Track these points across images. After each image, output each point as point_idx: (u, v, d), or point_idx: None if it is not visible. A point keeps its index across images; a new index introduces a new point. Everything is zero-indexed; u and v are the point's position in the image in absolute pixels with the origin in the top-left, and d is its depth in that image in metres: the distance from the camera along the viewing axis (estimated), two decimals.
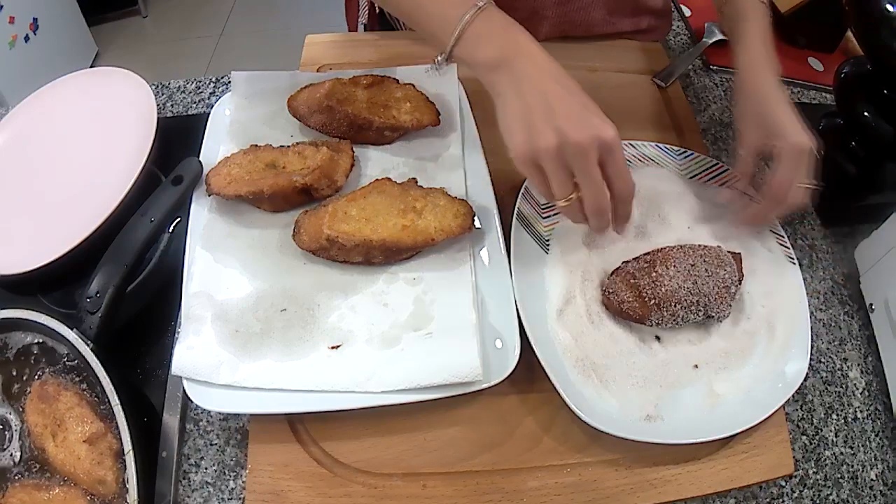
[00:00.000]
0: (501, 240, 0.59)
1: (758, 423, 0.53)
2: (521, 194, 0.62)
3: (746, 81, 0.60)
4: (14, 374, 0.53)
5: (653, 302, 0.55)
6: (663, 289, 0.54)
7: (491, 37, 0.52)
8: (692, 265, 0.56)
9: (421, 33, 0.58)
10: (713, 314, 0.56)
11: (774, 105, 0.57)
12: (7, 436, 0.51)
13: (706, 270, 0.55)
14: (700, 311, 0.55)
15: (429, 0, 0.55)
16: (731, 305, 0.57)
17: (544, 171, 0.50)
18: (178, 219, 0.62)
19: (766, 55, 0.60)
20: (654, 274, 0.55)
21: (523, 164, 0.50)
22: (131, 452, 0.48)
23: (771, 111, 0.57)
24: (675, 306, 0.54)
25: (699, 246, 0.58)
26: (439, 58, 0.55)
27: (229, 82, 0.75)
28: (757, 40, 0.61)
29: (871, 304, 0.63)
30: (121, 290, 0.55)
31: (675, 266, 0.55)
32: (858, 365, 0.62)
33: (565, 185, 0.50)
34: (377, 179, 0.61)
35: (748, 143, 0.59)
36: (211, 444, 0.55)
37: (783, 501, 0.55)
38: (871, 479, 0.56)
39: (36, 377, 0.53)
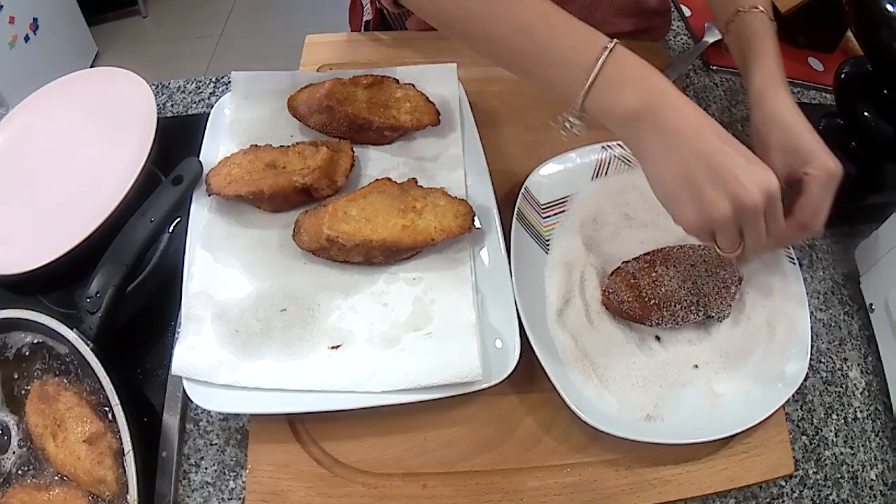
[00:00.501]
0: (501, 240, 0.59)
1: (758, 423, 0.53)
2: (521, 194, 0.62)
3: (766, 105, 0.56)
4: (14, 374, 0.53)
5: (653, 302, 0.55)
6: (663, 289, 0.54)
7: (626, 84, 0.47)
8: (692, 265, 0.55)
9: (538, 84, 0.52)
10: (713, 314, 0.56)
11: (800, 132, 0.53)
12: (6, 437, 0.51)
13: (706, 270, 0.55)
14: (700, 311, 0.55)
15: (549, 44, 0.49)
16: (731, 305, 0.57)
17: (715, 231, 0.48)
18: (178, 219, 0.62)
19: (781, 75, 0.57)
20: (654, 274, 0.55)
21: (696, 233, 0.48)
22: (131, 452, 0.48)
23: (797, 138, 0.53)
24: (675, 306, 0.54)
25: (699, 246, 0.58)
26: (570, 119, 0.50)
27: (229, 82, 0.75)
28: (772, 60, 0.57)
29: (871, 304, 0.63)
30: (121, 290, 0.55)
31: (675, 266, 0.55)
32: (858, 365, 0.62)
33: (736, 242, 0.48)
34: (377, 179, 0.61)
35: (778, 174, 0.55)
36: (211, 444, 0.55)
37: (783, 501, 0.55)
38: (871, 479, 0.56)
39: (36, 377, 0.53)
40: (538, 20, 0.49)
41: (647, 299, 0.55)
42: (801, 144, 0.53)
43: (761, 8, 0.60)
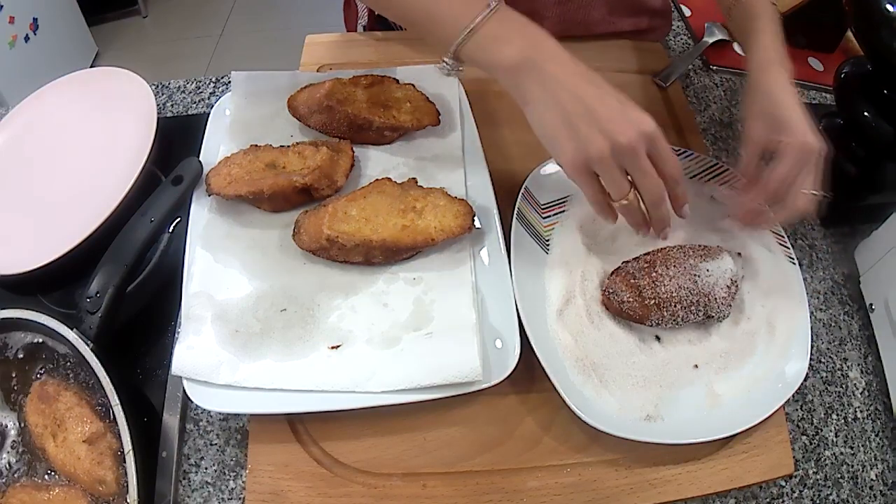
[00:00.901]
0: (501, 240, 0.59)
1: (758, 423, 0.53)
2: (521, 194, 0.62)
3: (758, 79, 0.57)
4: (14, 374, 0.53)
5: (653, 302, 0.55)
6: (663, 289, 0.54)
7: (508, 37, 0.51)
8: (692, 265, 0.55)
9: (429, 40, 0.56)
10: (713, 314, 0.56)
11: (784, 102, 0.55)
12: (2, 438, 0.51)
13: (706, 270, 0.55)
14: (700, 311, 0.55)
15: (435, 3, 0.53)
16: (731, 305, 0.57)
17: (596, 175, 0.50)
18: (178, 219, 0.62)
19: (779, 54, 0.58)
20: (654, 274, 0.55)
21: (576, 173, 0.50)
22: (131, 452, 0.48)
23: (779, 108, 0.55)
24: (675, 306, 0.54)
25: (699, 246, 0.58)
26: (446, 58, 0.53)
27: (229, 82, 0.75)
28: (770, 37, 0.59)
29: (871, 304, 0.63)
30: (121, 290, 0.55)
31: (675, 266, 0.55)
32: (858, 365, 0.62)
33: (621, 185, 0.50)
34: (377, 179, 0.61)
35: (752, 138, 0.57)
36: (211, 444, 0.55)
37: (783, 501, 0.55)
38: (871, 479, 0.56)
39: (36, 377, 0.53)
40: None
41: (646, 299, 0.55)
42: (781, 113, 0.54)
43: None
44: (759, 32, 0.60)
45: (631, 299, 0.55)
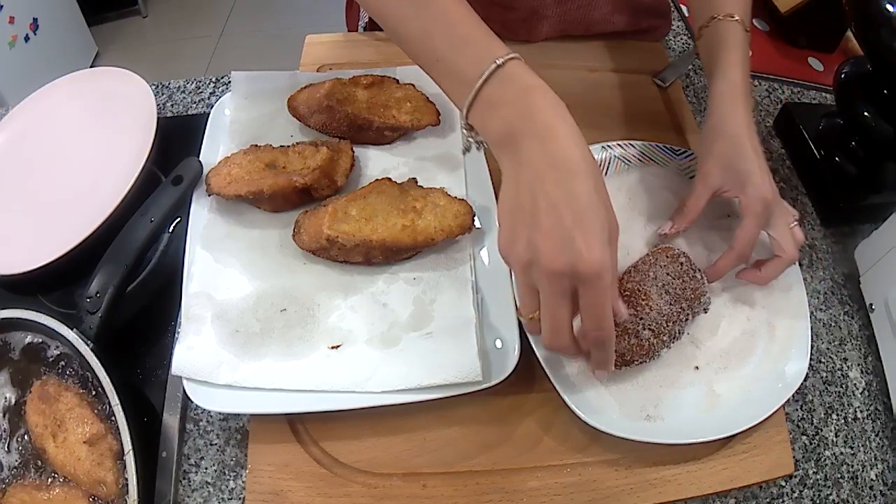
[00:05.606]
0: None
1: (758, 423, 0.53)
2: None
3: (721, 115, 0.56)
4: (14, 374, 0.53)
5: (647, 332, 0.52)
6: (652, 313, 0.52)
7: (502, 105, 0.44)
8: (655, 277, 0.54)
9: (443, 91, 0.51)
10: (698, 309, 0.55)
11: (746, 153, 0.54)
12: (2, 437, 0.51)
13: (668, 273, 0.54)
14: (688, 314, 0.54)
15: (447, 50, 0.47)
16: (707, 293, 0.55)
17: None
18: (178, 219, 0.62)
19: (744, 89, 0.56)
20: (638, 305, 0.53)
21: (503, 259, 0.47)
22: (131, 453, 0.48)
23: (741, 159, 0.54)
24: (667, 324, 0.53)
25: (648, 258, 0.57)
26: (463, 128, 0.49)
27: (229, 82, 0.75)
28: (738, 71, 0.57)
29: (871, 304, 0.63)
30: (121, 290, 0.55)
31: (648, 287, 0.54)
32: (858, 365, 0.62)
33: (528, 302, 0.46)
34: (377, 179, 0.61)
35: (707, 182, 0.56)
36: (211, 444, 0.55)
37: (783, 501, 0.55)
38: (871, 479, 0.56)
39: (36, 377, 0.53)
40: (441, 27, 0.47)
41: (642, 339, 0.52)
42: (741, 164, 0.53)
43: (738, 17, 0.59)
44: (729, 64, 0.57)
45: (630, 346, 0.52)
